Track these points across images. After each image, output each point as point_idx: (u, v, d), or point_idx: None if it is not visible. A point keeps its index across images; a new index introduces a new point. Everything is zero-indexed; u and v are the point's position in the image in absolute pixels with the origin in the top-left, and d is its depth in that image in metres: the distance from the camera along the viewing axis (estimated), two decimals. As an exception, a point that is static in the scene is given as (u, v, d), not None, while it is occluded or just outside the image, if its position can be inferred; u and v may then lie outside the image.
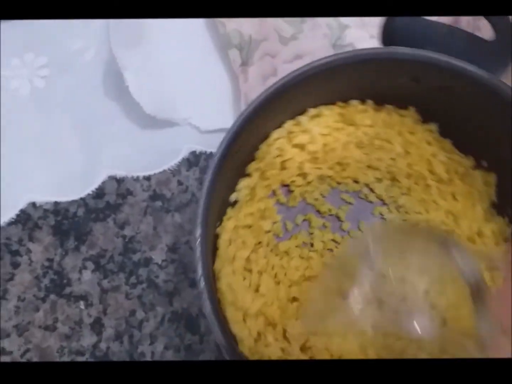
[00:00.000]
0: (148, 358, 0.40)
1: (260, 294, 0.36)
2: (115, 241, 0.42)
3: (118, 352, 0.40)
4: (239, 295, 0.35)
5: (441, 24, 0.37)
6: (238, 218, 0.37)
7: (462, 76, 0.35)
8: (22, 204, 0.43)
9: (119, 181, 0.44)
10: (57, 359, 0.39)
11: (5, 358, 0.39)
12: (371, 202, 0.41)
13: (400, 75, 0.37)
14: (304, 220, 0.40)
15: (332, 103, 0.40)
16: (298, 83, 0.35)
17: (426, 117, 0.40)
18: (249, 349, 0.34)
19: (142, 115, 0.43)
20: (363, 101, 0.40)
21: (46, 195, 0.43)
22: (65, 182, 0.43)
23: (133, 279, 0.41)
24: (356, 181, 0.41)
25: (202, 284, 0.31)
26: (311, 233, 0.40)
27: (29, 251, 0.42)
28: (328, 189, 0.41)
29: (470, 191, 0.39)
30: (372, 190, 0.41)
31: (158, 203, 0.43)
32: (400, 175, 0.40)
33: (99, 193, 0.43)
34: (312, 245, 0.40)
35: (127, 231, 0.42)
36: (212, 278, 0.34)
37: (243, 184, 0.38)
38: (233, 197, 0.38)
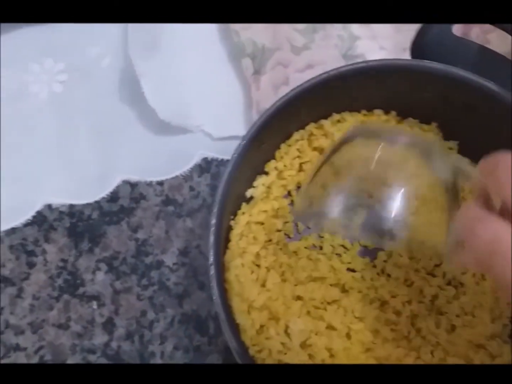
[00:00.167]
0: (157, 358, 0.41)
1: (266, 289, 0.37)
2: (128, 243, 0.43)
3: (128, 351, 0.41)
4: (245, 287, 0.36)
5: (472, 42, 0.38)
6: (251, 214, 0.39)
7: (489, 97, 0.36)
8: (38, 206, 0.44)
9: (133, 185, 0.45)
10: (69, 357, 0.41)
11: (19, 354, 0.41)
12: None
13: (427, 90, 0.38)
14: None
15: (357, 110, 0.41)
16: (324, 86, 0.37)
17: (447, 134, 0.41)
18: (251, 339, 0.35)
19: (156, 122, 0.44)
20: (387, 111, 0.41)
21: (62, 198, 0.44)
22: (81, 185, 0.44)
23: (144, 281, 0.42)
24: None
25: (212, 270, 0.33)
26: (321, 237, 0.41)
27: (44, 251, 0.43)
28: None
29: None
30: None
31: (170, 208, 0.44)
32: None
33: (113, 197, 0.44)
34: (321, 248, 0.40)
35: (140, 235, 0.44)
36: (221, 268, 0.35)
37: (260, 181, 0.39)
38: (249, 193, 0.39)
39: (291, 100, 0.36)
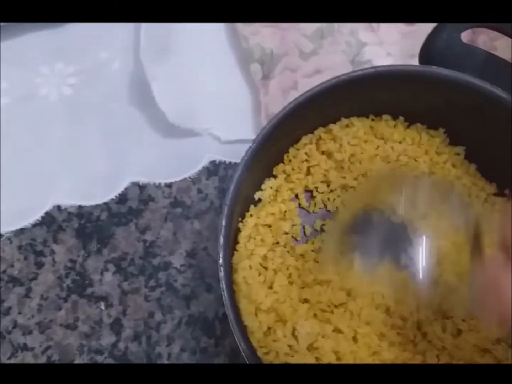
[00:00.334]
0: (164, 359, 0.41)
1: (273, 291, 0.37)
2: (136, 245, 0.44)
3: (136, 352, 0.41)
4: (253, 289, 0.36)
5: (479, 49, 0.38)
6: (259, 216, 0.39)
7: (496, 103, 0.36)
8: (47, 206, 0.44)
9: (142, 187, 0.45)
10: (77, 357, 0.41)
11: (27, 354, 0.41)
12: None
13: (435, 95, 0.38)
14: (323, 226, 0.42)
15: (365, 115, 0.41)
16: (333, 91, 0.37)
17: (454, 140, 0.41)
18: (258, 341, 0.35)
19: (165, 125, 0.45)
20: (395, 116, 0.41)
21: (71, 199, 0.44)
22: (90, 187, 0.45)
23: (152, 282, 0.43)
24: None
25: (222, 272, 0.33)
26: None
27: (53, 252, 0.43)
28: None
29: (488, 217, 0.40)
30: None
31: (178, 210, 0.45)
32: None
33: (122, 198, 0.45)
34: None
35: (148, 236, 0.44)
36: (229, 270, 0.36)
37: (268, 184, 0.40)
38: (257, 195, 0.39)
39: (300, 105, 0.36)
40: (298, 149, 0.41)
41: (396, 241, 0.33)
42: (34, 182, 0.45)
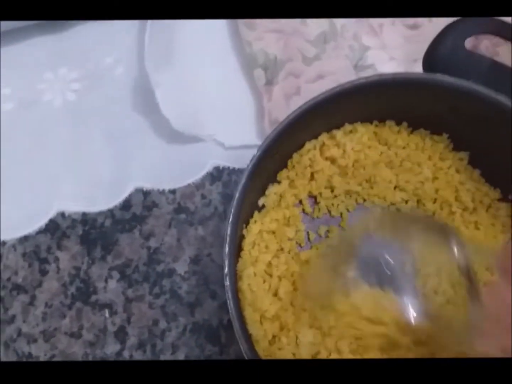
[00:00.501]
0: (170, 367, 0.41)
1: (278, 298, 0.37)
2: (140, 251, 0.44)
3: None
4: (258, 297, 0.36)
5: (483, 57, 0.38)
6: (263, 223, 0.39)
7: (500, 110, 0.36)
8: (51, 213, 0.44)
9: (146, 193, 0.45)
10: (82, 365, 0.41)
11: (32, 363, 0.41)
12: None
13: (439, 102, 0.38)
14: (327, 232, 0.42)
15: (369, 121, 0.41)
16: (338, 99, 0.37)
17: (458, 145, 0.41)
18: (263, 350, 0.35)
19: (169, 131, 0.44)
20: (398, 122, 0.41)
21: (75, 206, 0.44)
22: (94, 193, 0.45)
23: (156, 290, 0.43)
24: (382, 200, 0.42)
25: (227, 281, 0.33)
26: None
27: (57, 259, 0.43)
28: (354, 205, 0.42)
29: (493, 222, 0.40)
30: (397, 210, 0.42)
31: (182, 216, 0.45)
32: (426, 199, 0.41)
33: (126, 204, 0.45)
34: None
35: (152, 242, 0.44)
36: (234, 277, 0.36)
37: (272, 190, 0.40)
38: (261, 201, 0.39)
39: (304, 112, 0.36)
40: (302, 155, 0.41)
41: (391, 275, 0.33)
42: (37, 188, 0.45)
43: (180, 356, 0.41)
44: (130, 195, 0.45)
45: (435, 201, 0.41)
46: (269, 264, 0.38)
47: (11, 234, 0.43)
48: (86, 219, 0.44)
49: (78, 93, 0.48)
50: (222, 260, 0.33)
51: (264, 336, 0.36)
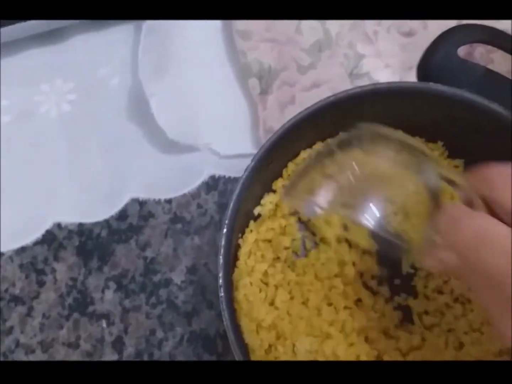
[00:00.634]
0: (167, 377, 0.41)
1: (275, 307, 0.37)
2: (136, 262, 0.44)
3: (138, 370, 0.41)
4: (254, 307, 0.36)
5: (477, 65, 0.38)
6: (259, 232, 0.39)
7: (493, 118, 0.36)
8: (48, 225, 0.44)
9: (142, 203, 0.45)
10: (79, 376, 0.41)
11: (30, 374, 0.41)
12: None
13: (433, 111, 0.38)
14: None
15: None
16: (332, 108, 0.37)
17: (453, 153, 0.41)
18: (260, 359, 0.35)
19: (164, 141, 0.45)
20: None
21: (71, 216, 0.45)
22: (90, 204, 0.45)
23: (153, 300, 0.43)
24: None
25: (222, 293, 0.33)
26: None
27: (54, 270, 0.44)
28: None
29: None
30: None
31: (179, 226, 0.45)
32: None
33: (122, 215, 0.45)
34: None
35: (148, 253, 0.44)
36: (230, 287, 0.36)
37: (268, 199, 0.40)
38: (256, 210, 0.39)
39: (299, 122, 0.37)
40: (297, 164, 0.41)
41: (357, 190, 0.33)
42: (34, 200, 0.45)
43: (177, 366, 0.41)
44: (126, 205, 0.45)
45: None
46: (265, 273, 0.39)
47: (8, 245, 0.44)
48: (82, 230, 0.45)
49: (74, 104, 0.48)
50: (217, 272, 0.33)
51: (261, 345, 0.36)
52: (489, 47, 0.45)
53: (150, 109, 0.44)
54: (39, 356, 0.41)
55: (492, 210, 0.26)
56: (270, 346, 0.36)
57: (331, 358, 0.36)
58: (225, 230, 0.35)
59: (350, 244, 0.41)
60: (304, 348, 0.36)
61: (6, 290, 0.43)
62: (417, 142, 0.40)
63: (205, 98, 0.47)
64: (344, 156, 0.34)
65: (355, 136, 0.35)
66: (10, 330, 0.42)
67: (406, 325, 0.39)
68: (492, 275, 0.23)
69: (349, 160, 0.34)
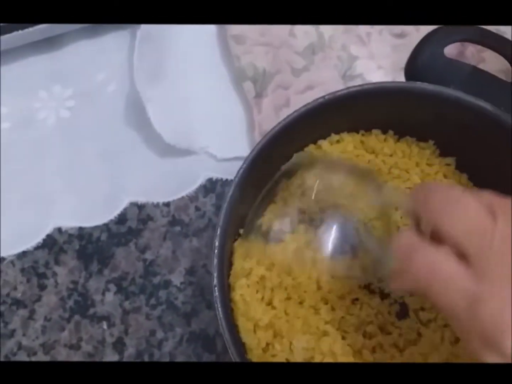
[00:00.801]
0: (167, 376, 0.41)
1: (272, 306, 0.38)
2: (136, 264, 0.44)
3: (139, 370, 0.41)
4: (251, 307, 0.37)
5: (463, 64, 0.39)
6: None
7: (481, 115, 0.37)
8: (48, 229, 0.45)
9: (140, 207, 0.46)
10: (81, 377, 0.41)
11: (32, 376, 0.41)
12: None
13: (422, 110, 0.39)
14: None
15: (355, 130, 0.42)
16: (322, 110, 0.38)
17: (444, 151, 0.42)
18: (257, 357, 0.36)
19: (161, 145, 0.46)
20: (385, 131, 0.42)
21: (71, 221, 0.45)
22: (89, 208, 0.46)
23: (153, 301, 0.43)
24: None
25: (216, 292, 0.34)
26: None
27: (55, 274, 0.44)
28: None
29: None
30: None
31: (177, 228, 0.45)
32: None
33: (121, 218, 0.46)
34: None
35: (148, 255, 0.45)
36: (227, 288, 0.36)
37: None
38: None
39: (289, 124, 0.37)
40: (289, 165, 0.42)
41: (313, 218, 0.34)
42: (34, 205, 0.46)
43: (178, 366, 0.42)
44: (125, 209, 0.46)
45: None
46: (262, 277, 0.39)
47: (9, 250, 0.44)
48: (82, 234, 0.45)
49: (72, 110, 0.49)
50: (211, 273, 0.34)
51: (258, 344, 0.36)
52: (480, 46, 0.45)
53: (147, 114, 0.45)
54: (41, 358, 0.42)
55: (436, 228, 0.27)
56: (267, 344, 0.37)
57: (328, 356, 0.37)
58: (219, 231, 0.35)
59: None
60: (301, 346, 0.37)
61: (8, 294, 0.44)
62: (365, 165, 0.41)
63: (201, 102, 0.48)
64: (292, 181, 0.35)
65: (297, 164, 0.36)
66: (12, 333, 0.43)
67: (402, 321, 0.39)
68: (445, 310, 0.25)
69: (298, 182, 0.35)
